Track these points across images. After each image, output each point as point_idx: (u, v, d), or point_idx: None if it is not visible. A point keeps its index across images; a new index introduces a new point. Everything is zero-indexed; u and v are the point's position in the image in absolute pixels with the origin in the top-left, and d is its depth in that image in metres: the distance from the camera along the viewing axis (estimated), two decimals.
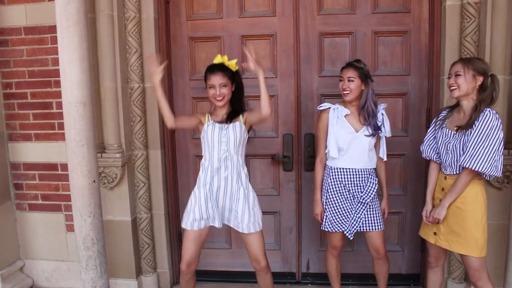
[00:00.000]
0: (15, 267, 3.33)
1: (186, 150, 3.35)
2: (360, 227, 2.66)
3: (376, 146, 2.70)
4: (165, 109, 2.42)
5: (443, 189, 2.42)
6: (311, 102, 3.15)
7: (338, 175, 2.66)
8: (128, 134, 3.12)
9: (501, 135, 2.21)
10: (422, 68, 3.08)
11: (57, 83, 3.08)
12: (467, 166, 2.22)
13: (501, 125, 2.20)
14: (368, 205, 2.64)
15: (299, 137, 3.20)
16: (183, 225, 2.52)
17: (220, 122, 2.50)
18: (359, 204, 2.64)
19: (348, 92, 2.57)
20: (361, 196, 2.63)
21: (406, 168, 3.20)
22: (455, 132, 2.34)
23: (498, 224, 2.89)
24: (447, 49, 2.91)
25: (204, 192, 2.49)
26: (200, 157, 2.73)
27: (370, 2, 3.07)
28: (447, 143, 2.37)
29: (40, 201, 3.32)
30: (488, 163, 2.18)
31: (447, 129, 2.40)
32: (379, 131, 2.63)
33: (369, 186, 2.63)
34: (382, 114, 2.65)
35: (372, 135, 2.60)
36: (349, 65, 2.62)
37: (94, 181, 2.40)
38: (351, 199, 2.65)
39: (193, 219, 2.48)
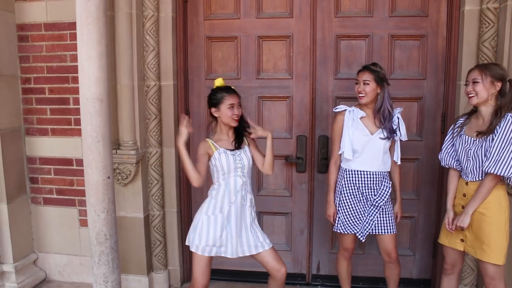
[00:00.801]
0: (28, 260, 3.38)
1: None
2: (372, 229, 2.66)
3: (391, 149, 2.70)
4: (190, 169, 2.36)
5: (464, 195, 2.40)
6: (326, 104, 3.16)
7: (352, 177, 2.66)
8: (143, 131, 3.15)
9: None
10: (439, 73, 3.07)
11: (75, 79, 3.12)
12: (491, 172, 2.20)
13: None
14: (381, 208, 2.64)
15: (313, 139, 3.20)
16: (193, 249, 2.46)
17: (232, 149, 2.49)
18: (372, 207, 2.64)
19: (363, 95, 2.58)
20: (374, 199, 2.62)
21: (420, 173, 3.19)
22: (475, 139, 2.32)
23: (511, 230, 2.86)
24: (465, 54, 2.90)
25: (222, 219, 2.46)
26: None
27: (387, 6, 3.06)
28: (467, 150, 2.35)
29: (54, 196, 3.36)
30: None
31: (467, 136, 2.37)
32: (394, 135, 2.62)
33: (382, 189, 2.63)
34: (398, 117, 2.65)
35: (387, 138, 2.60)
36: (365, 68, 2.62)
37: (109, 177, 2.41)
38: (364, 202, 2.65)
39: (205, 244, 2.44)
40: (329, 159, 2.80)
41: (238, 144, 2.50)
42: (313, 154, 3.22)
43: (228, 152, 2.46)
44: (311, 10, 3.12)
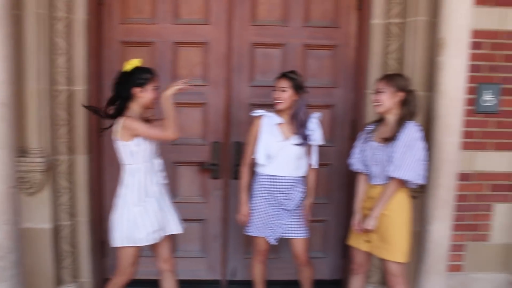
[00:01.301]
0: None
1: (114, 155, 3.25)
2: (283, 233, 2.72)
3: (308, 154, 2.77)
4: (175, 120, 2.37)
5: (370, 198, 2.53)
6: (241, 111, 3.20)
7: (265, 181, 2.71)
8: (52, 138, 2.99)
9: (423, 145, 2.37)
10: (349, 82, 3.22)
11: None
12: (393, 176, 2.36)
13: (422, 136, 2.37)
14: (292, 212, 2.70)
15: (227, 145, 3.23)
16: (131, 243, 2.41)
17: None
18: (284, 211, 2.70)
19: (280, 101, 2.65)
20: (287, 203, 2.69)
21: (331, 178, 3.31)
22: (381, 145, 2.46)
23: (412, 231, 3.03)
24: (373, 64, 3.05)
25: (152, 202, 2.46)
26: None
27: (302, 16, 3.17)
28: (374, 155, 2.49)
29: None
30: (413, 171, 2.33)
31: (374, 142, 2.51)
32: (308, 140, 2.69)
33: (295, 194, 2.70)
34: (314, 123, 2.73)
35: (301, 144, 2.67)
36: (282, 75, 2.70)
37: (12, 187, 2.29)
38: (277, 206, 2.71)
39: (146, 233, 2.41)
40: (242, 161, 2.84)
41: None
42: (228, 161, 3.24)
43: None
44: (227, 18, 3.15)
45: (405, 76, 2.56)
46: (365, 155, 2.57)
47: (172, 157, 3.24)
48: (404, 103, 2.44)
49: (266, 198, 2.71)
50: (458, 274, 3.23)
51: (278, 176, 2.69)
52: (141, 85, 2.41)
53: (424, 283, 2.73)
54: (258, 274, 2.91)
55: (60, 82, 2.96)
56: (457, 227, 3.11)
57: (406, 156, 2.33)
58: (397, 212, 2.44)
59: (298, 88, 2.67)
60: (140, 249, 2.49)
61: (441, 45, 2.57)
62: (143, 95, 2.43)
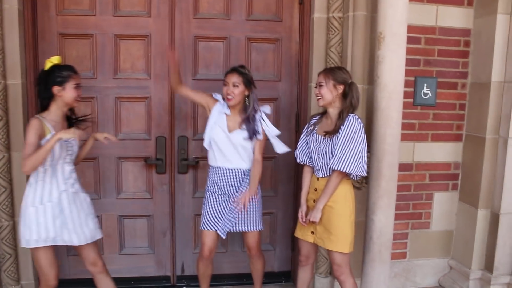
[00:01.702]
0: None
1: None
2: (233, 227, 2.71)
3: (257, 146, 2.74)
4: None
5: (315, 190, 2.56)
6: (185, 105, 3.16)
7: (213, 174, 2.71)
8: None
9: (364, 138, 2.40)
10: (292, 75, 3.25)
11: None
12: (335, 168, 2.39)
13: (363, 129, 2.40)
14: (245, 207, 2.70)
15: (172, 140, 3.18)
16: (24, 244, 2.35)
17: None
18: (233, 204, 2.69)
19: (231, 97, 2.61)
20: (236, 196, 2.69)
21: (277, 171, 3.34)
22: (324, 137, 2.49)
23: (357, 221, 3.11)
24: (315, 58, 3.10)
25: (52, 207, 2.36)
26: None
27: (244, 9, 3.15)
28: (317, 148, 2.52)
29: None
30: (354, 164, 2.36)
31: (317, 135, 2.54)
32: (257, 134, 2.69)
33: (244, 186, 2.71)
34: (262, 117, 2.72)
35: (250, 138, 2.67)
36: (234, 70, 2.65)
37: None
38: (226, 199, 2.70)
39: (37, 237, 2.34)
40: None
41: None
42: (173, 155, 3.20)
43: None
44: (169, 11, 3.09)
45: (345, 69, 2.57)
46: (309, 147, 2.59)
47: (116, 153, 3.18)
48: (345, 96, 2.46)
49: (216, 193, 2.71)
50: (402, 261, 3.36)
51: (226, 168, 2.69)
52: (60, 83, 2.34)
53: (369, 272, 2.79)
54: (202, 270, 2.87)
55: None
56: (400, 216, 3.23)
57: (347, 148, 2.36)
58: (340, 203, 2.47)
59: (249, 83, 2.66)
60: (47, 250, 2.37)
61: (380, 39, 2.61)
62: (63, 94, 2.35)
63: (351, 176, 2.48)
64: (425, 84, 3.09)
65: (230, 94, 2.61)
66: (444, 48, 3.10)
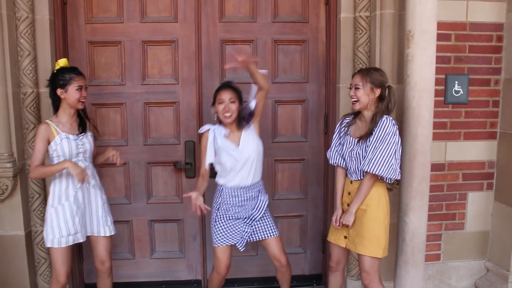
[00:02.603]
0: None
1: None
2: (250, 237, 2.66)
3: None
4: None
5: (349, 193, 2.50)
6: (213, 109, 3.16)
7: (228, 196, 2.65)
8: (20, 142, 2.93)
9: (398, 140, 2.32)
10: (320, 76, 3.22)
11: None
12: (367, 171, 2.33)
13: (397, 131, 2.32)
14: (258, 220, 2.67)
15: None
16: (49, 244, 2.49)
17: (75, 133, 2.54)
18: (249, 220, 2.66)
19: (230, 114, 2.53)
20: (252, 213, 2.65)
21: (306, 173, 3.31)
22: (357, 140, 2.42)
23: (390, 223, 3.06)
24: (342, 58, 3.07)
25: (69, 206, 2.48)
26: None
27: (270, 11, 3.15)
28: (351, 151, 2.45)
29: None
30: (386, 166, 2.29)
31: (351, 137, 2.47)
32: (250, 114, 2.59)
33: (258, 204, 2.67)
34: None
35: (247, 120, 2.59)
36: (227, 86, 2.59)
37: None
38: (241, 216, 2.66)
39: (60, 236, 2.46)
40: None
41: (83, 128, 2.52)
42: None
43: (70, 137, 2.45)
44: (195, 15, 3.11)
45: (382, 71, 2.46)
46: (342, 149, 2.53)
47: (145, 158, 3.21)
48: (381, 98, 2.39)
49: (227, 212, 2.67)
50: (436, 263, 3.28)
51: (242, 186, 2.62)
52: (62, 86, 2.44)
53: (403, 274, 2.73)
54: (216, 286, 2.84)
55: (26, 84, 2.90)
56: (433, 217, 3.16)
57: (379, 150, 2.30)
58: (373, 207, 2.41)
59: (241, 98, 2.60)
60: (65, 249, 2.48)
61: (409, 38, 2.56)
62: (65, 96, 2.45)
63: (385, 179, 2.41)
64: (456, 82, 3.02)
65: (228, 111, 2.52)
66: (475, 44, 3.01)
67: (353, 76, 2.46)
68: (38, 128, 2.47)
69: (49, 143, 2.44)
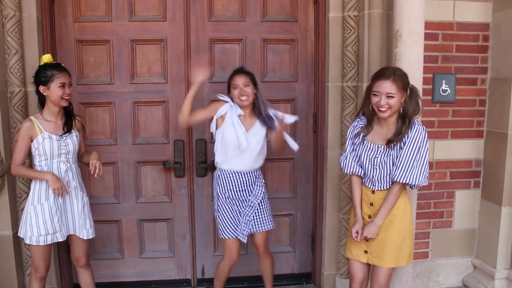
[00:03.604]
0: None
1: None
2: (251, 229, 2.71)
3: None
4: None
5: (371, 204, 2.32)
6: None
7: (226, 179, 2.69)
8: (7, 141, 2.90)
9: (428, 145, 2.20)
10: (309, 75, 3.23)
11: None
12: (401, 181, 2.17)
13: (427, 136, 2.20)
14: (257, 207, 2.71)
15: (190, 143, 3.19)
16: (27, 241, 2.49)
17: (59, 134, 2.50)
18: (247, 208, 2.69)
19: (246, 97, 2.60)
20: (249, 199, 2.69)
21: (295, 172, 3.33)
22: (381, 146, 2.24)
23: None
24: (331, 57, 3.09)
25: (48, 206, 2.46)
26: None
27: (259, 10, 3.15)
28: (373, 158, 2.26)
29: None
30: (421, 175, 2.17)
31: (371, 143, 2.28)
32: (272, 123, 2.65)
33: (257, 189, 2.71)
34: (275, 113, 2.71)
35: (269, 127, 2.66)
36: (240, 71, 2.67)
37: None
38: (239, 205, 2.70)
39: (38, 234, 2.46)
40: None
41: (68, 128, 2.49)
42: (191, 158, 3.21)
43: (53, 137, 2.43)
44: (184, 14, 3.10)
45: (402, 71, 2.25)
46: (360, 156, 2.33)
47: (134, 157, 3.20)
48: (406, 100, 2.21)
49: (228, 197, 2.70)
50: (424, 261, 3.32)
51: (241, 171, 2.67)
52: (44, 83, 2.41)
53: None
54: (223, 275, 2.88)
55: (13, 83, 2.87)
56: (421, 215, 3.19)
57: (415, 159, 2.15)
58: (400, 216, 2.27)
59: (255, 82, 2.68)
60: (44, 247, 2.49)
61: (397, 37, 2.58)
62: (48, 93, 2.42)
63: (412, 187, 2.26)
64: (443, 81, 3.05)
65: (244, 94, 2.59)
66: (462, 43, 3.05)
67: (377, 80, 2.20)
68: (22, 125, 2.45)
69: (31, 140, 2.43)
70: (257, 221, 2.72)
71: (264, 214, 2.74)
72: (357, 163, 2.34)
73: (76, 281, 3.22)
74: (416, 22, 2.55)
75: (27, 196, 2.85)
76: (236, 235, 2.69)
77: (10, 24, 2.82)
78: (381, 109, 2.18)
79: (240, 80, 2.60)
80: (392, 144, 2.19)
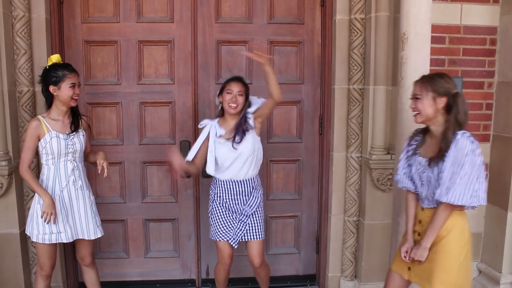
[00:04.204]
0: None
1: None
2: (243, 236, 2.69)
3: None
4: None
5: (420, 222, 2.17)
6: (208, 109, 3.18)
7: (220, 188, 2.69)
8: (16, 140, 2.93)
9: (480, 160, 1.93)
10: (315, 77, 3.24)
11: None
12: (441, 200, 1.96)
13: (478, 149, 1.94)
14: (251, 216, 2.69)
15: None
16: (34, 239, 2.52)
17: (66, 132, 2.53)
18: (242, 216, 2.69)
19: (236, 105, 2.58)
20: (244, 208, 2.67)
21: (301, 173, 3.33)
22: (427, 161, 2.07)
23: (383, 223, 3.10)
24: (337, 60, 3.09)
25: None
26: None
27: (266, 13, 3.16)
28: (420, 174, 2.11)
29: None
30: (467, 194, 1.93)
31: (421, 158, 2.11)
32: (249, 129, 2.60)
33: (252, 200, 2.69)
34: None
35: (242, 136, 2.59)
36: (238, 79, 2.65)
37: None
38: (234, 211, 2.69)
39: (43, 232, 2.48)
40: None
41: (75, 127, 2.51)
42: None
43: (61, 136, 2.45)
44: (192, 16, 3.12)
45: (447, 77, 2.07)
46: (411, 171, 2.17)
47: (141, 157, 3.22)
48: (449, 109, 2.01)
49: (221, 204, 2.70)
50: None
51: (234, 180, 2.65)
52: (54, 83, 2.42)
53: None
54: (222, 278, 2.88)
55: (22, 83, 2.90)
56: None
57: (456, 176, 1.91)
58: (448, 238, 2.04)
59: (248, 95, 2.65)
60: (49, 245, 2.50)
61: (403, 40, 2.58)
62: (58, 93, 2.44)
63: (466, 208, 2.05)
64: None
65: (235, 102, 2.56)
66: (469, 47, 3.04)
67: (414, 84, 2.12)
68: (29, 124, 2.47)
69: (39, 139, 2.45)
70: (249, 230, 2.69)
71: (256, 223, 2.71)
72: (409, 179, 2.19)
73: (81, 279, 3.24)
74: (423, 25, 2.54)
75: (34, 194, 2.90)
76: (227, 238, 2.68)
77: (19, 24, 2.85)
78: (413, 113, 2.09)
79: (235, 88, 2.58)
80: (433, 160, 2.02)
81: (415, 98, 2.05)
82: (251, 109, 2.64)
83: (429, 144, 2.10)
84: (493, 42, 3.08)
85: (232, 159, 2.61)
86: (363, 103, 3.08)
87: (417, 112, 2.05)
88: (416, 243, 2.13)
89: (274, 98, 2.51)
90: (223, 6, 3.14)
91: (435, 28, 2.81)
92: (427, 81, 2.03)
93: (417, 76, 2.42)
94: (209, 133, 2.66)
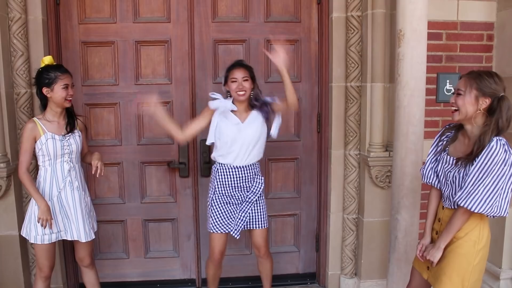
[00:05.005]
0: None
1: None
2: (245, 225, 2.70)
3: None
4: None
5: (439, 220, 2.10)
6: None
7: (224, 174, 2.66)
8: (14, 142, 2.93)
9: (510, 171, 1.80)
10: (312, 75, 3.24)
11: None
12: (461, 205, 1.87)
13: (509, 158, 1.80)
14: (254, 203, 2.69)
15: (194, 143, 3.20)
16: (32, 240, 2.52)
17: (62, 134, 2.53)
18: (244, 203, 2.68)
19: (243, 92, 2.57)
20: (247, 195, 2.67)
21: (299, 172, 3.33)
22: (455, 162, 1.98)
23: (382, 220, 3.09)
24: (335, 57, 3.10)
25: (52, 205, 2.48)
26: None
27: (262, 11, 3.16)
28: (447, 172, 2.01)
29: None
30: (487, 203, 1.82)
31: (449, 156, 2.02)
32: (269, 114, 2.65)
33: (255, 185, 2.69)
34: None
35: (266, 118, 2.64)
36: (240, 65, 2.63)
37: None
38: (236, 199, 2.68)
39: (43, 233, 2.48)
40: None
41: (70, 128, 2.51)
42: (196, 159, 3.22)
43: (56, 137, 2.45)
44: (188, 15, 3.12)
45: (497, 77, 1.90)
46: (438, 167, 2.08)
47: (139, 157, 3.22)
48: (491, 112, 1.86)
49: (223, 194, 2.68)
50: None
51: (238, 166, 2.64)
52: (47, 85, 2.43)
53: (395, 271, 2.74)
54: (213, 274, 2.89)
55: (19, 84, 2.90)
56: (425, 215, 3.16)
57: (482, 183, 1.80)
58: (464, 240, 1.95)
59: (254, 76, 2.66)
60: (48, 245, 2.51)
61: (400, 37, 2.58)
62: (52, 95, 2.45)
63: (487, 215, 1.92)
64: (447, 81, 3.04)
65: (242, 89, 2.55)
66: (466, 43, 3.04)
67: (459, 78, 2.00)
68: (25, 127, 2.48)
69: (35, 141, 2.46)
70: (254, 218, 2.70)
71: (261, 211, 2.72)
72: (435, 174, 2.09)
73: (82, 280, 3.25)
74: (419, 22, 2.54)
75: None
76: (228, 230, 2.68)
77: (16, 26, 2.85)
78: (451, 108, 1.97)
79: (239, 74, 2.56)
80: (460, 161, 1.92)
81: (457, 93, 1.92)
82: (268, 99, 2.67)
83: (460, 143, 2.01)
84: (490, 37, 3.08)
85: (240, 141, 2.60)
86: (360, 101, 3.09)
87: (455, 109, 1.93)
88: (433, 241, 2.08)
89: (288, 101, 2.54)
90: (219, 5, 3.14)
91: (431, 24, 2.81)
92: (474, 78, 1.89)
93: (414, 73, 2.45)
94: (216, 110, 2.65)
